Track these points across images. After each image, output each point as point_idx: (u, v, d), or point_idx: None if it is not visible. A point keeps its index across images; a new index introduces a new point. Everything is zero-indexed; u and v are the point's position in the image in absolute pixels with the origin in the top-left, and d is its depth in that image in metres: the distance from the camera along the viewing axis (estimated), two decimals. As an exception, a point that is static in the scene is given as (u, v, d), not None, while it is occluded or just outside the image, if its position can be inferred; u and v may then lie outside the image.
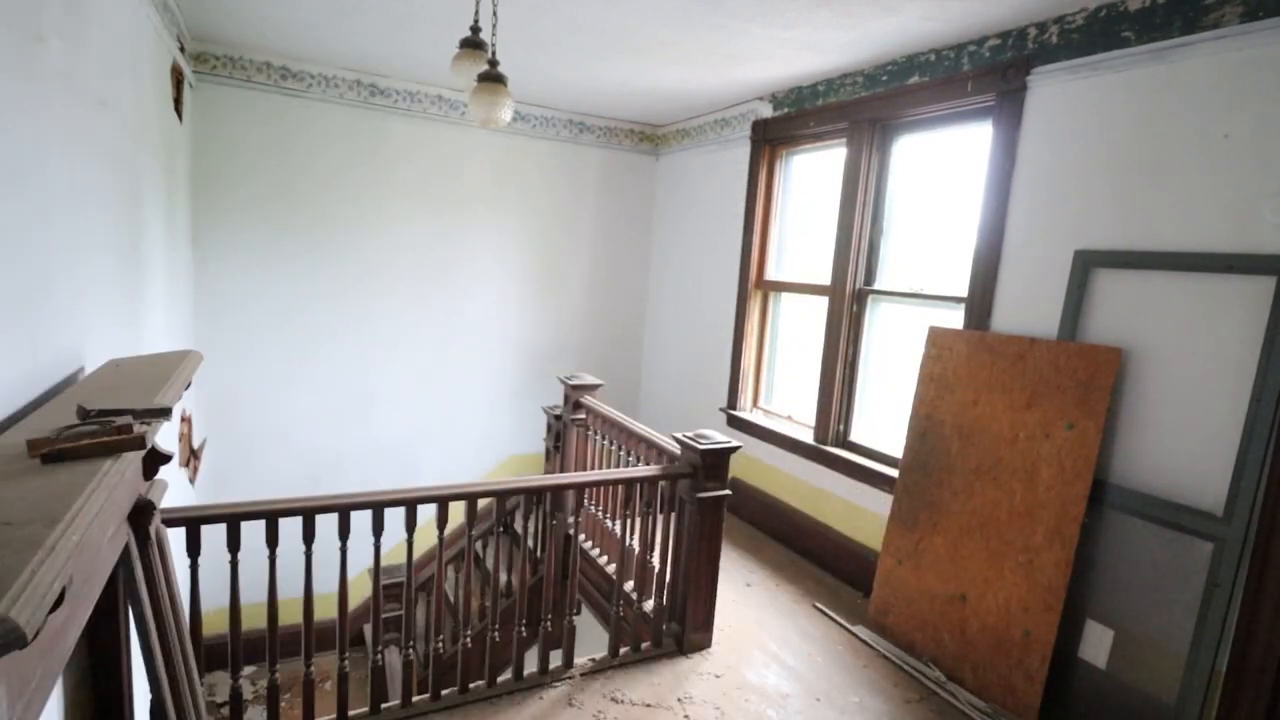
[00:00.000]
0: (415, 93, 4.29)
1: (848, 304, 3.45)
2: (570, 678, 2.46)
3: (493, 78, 2.23)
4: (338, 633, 2.08)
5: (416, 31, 3.23)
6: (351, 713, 2.15)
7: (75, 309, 1.64)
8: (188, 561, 1.82)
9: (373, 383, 4.51)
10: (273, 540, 1.93)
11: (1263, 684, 1.92)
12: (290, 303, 4.18)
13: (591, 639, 3.13)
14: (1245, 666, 1.96)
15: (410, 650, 2.25)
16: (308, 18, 3.17)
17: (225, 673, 2.42)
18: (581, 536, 3.35)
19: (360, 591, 4.50)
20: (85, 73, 1.74)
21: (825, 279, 3.58)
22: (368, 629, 4.58)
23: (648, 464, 2.88)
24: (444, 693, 2.30)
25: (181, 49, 3.33)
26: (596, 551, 3.28)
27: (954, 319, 2.92)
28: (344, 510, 2.01)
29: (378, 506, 2.04)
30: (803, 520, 3.65)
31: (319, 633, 2.09)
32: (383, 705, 2.22)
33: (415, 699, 2.27)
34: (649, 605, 2.77)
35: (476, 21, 2.31)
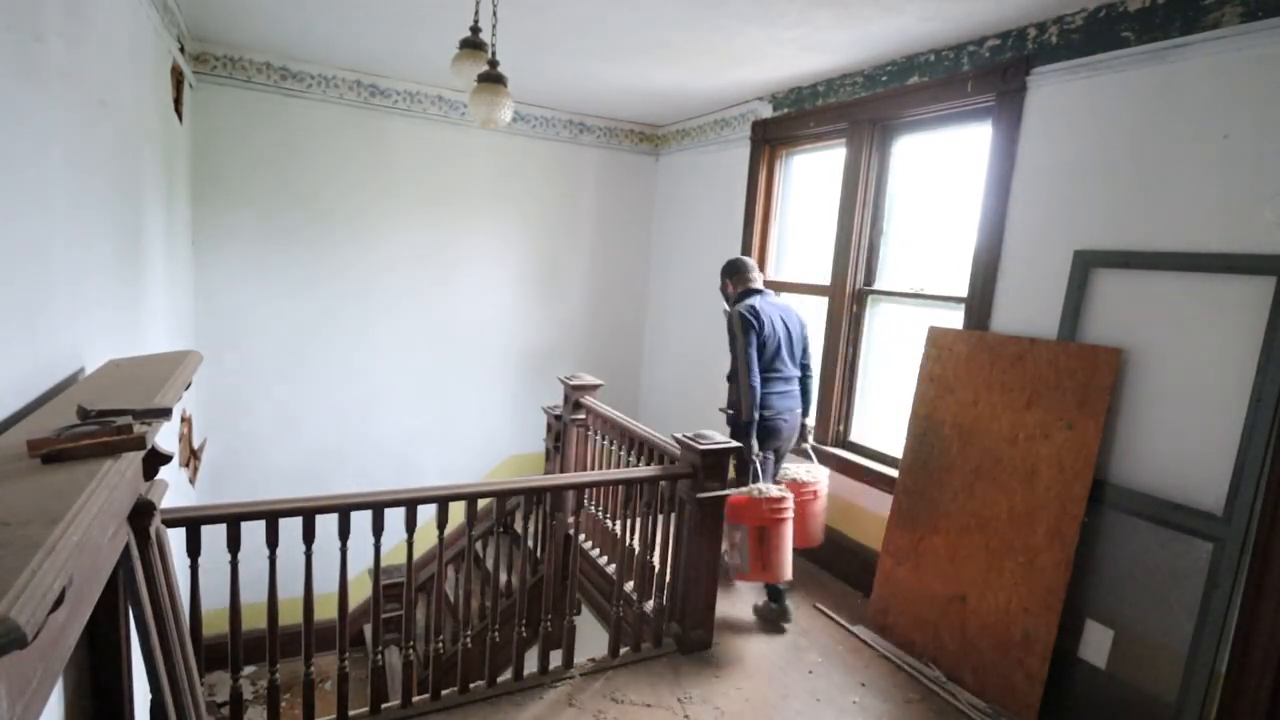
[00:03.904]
0: (415, 93, 4.29)
1: (848, 304, 3.45)
2: (570, 678, 2.46)
3: (493, 78, 2.24)
4: (338, 633, 2.08)
5: (417, 32, 3.23)
6: (351, 713, 2.15)
7: (75, 309, 1.64)
8: (188, 561, 1.82)
9: (373, 382, 4.51)
10: (273, 540, 1.93)
11: (1263, 684, 1.92)
12: (290, 302, 4.18)
13: (591, 639, 3.13)
14: (1245, 666, 1.96)
15: (410, 650, 2.25)
16: (308, 18, 3.17)
17: (225, 673, 2.42)
18: (581, 536, 3.35)
19: (360, 591, 4.49)
20: (85, 73, 1.74)
21: (825, 279, 3.59)
22: (368, 629, 4.58)
23: (648, 464, 2.88)
24: (444, 693, 2.30)
25: (181, 49, 3.33)
26: (596, 551, 3.28)
27: (954, 319, 2.92)
28: (344, 510, 2.01)
29: (378, 506, 2.04)
30: (803, 520, 3.65)
31: (319, 633, 2.09)
32: (383, 705, 2.22)
33: (415, 699, 2.27)
34: (649, 605, 2.77)
35: (476, 22, 2.31)
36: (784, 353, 2.90)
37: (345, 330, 4.37)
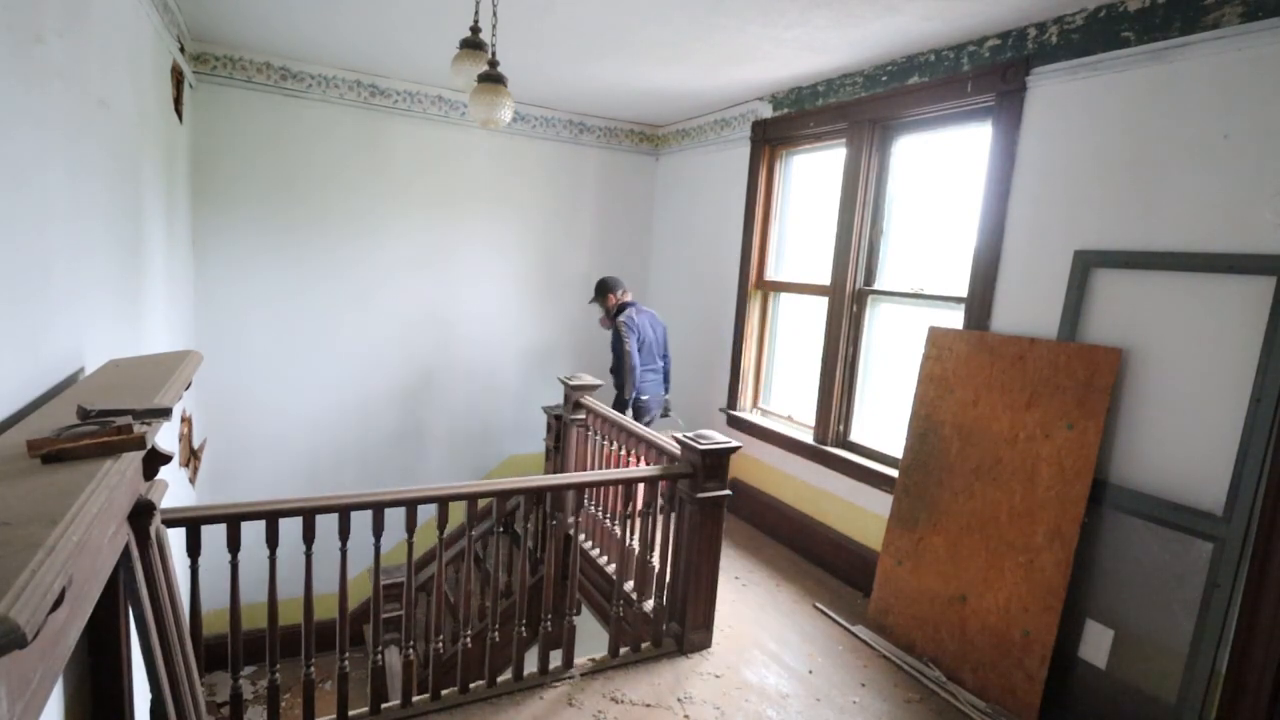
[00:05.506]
0: (415, 93, 4.29)
1: (848, 304, 3.45)
2: (570, 678, 2.46)
3: (493, 78, 2.24)
4: (338, 633, 2.08)
5: (417, 32, 3.23)
6: (351, 713, 2.15)
7: (75, 309, 1.64)
8: (188, 562, 1.82)
9: (372, 382, 4.51)
10: (273, 540, 1.93)
11: (1263, 684, 1.92)
12: (290, 302, 4.18)
13: (591, 639, 3.13)
14: (1245, 666, 1.96)
15: (410, 650, 2.25)
16: (308, 18, 3.17)
17: (225, 673, 2.42)
18: (581, 536, 3.35)
19: (360, 591, 4.49)
20: (85, 73, 1.74)
21: (825, 279, 3.58)
22: (368, 629, 4.58)
23: (648, 464, 2.88)
24: (444, 693, 2.30)
25: (181, 49, 3.33)
26: (596, 551, 3.28)
27: (954, 319, 2.92)
28: (344, 510, 2.01)
29: (378, 507, 2.04)
30: (803, 520, 3.65)
31: (319, 633, 2.09)
32: (383, 705, 2.22)
33: (415, 699, 2.27)
34: (649, 605, 2.76)
35: (476, 22, 2.31)
36: (653, 349, 3.99)
37: (345, 329, 4.37)
